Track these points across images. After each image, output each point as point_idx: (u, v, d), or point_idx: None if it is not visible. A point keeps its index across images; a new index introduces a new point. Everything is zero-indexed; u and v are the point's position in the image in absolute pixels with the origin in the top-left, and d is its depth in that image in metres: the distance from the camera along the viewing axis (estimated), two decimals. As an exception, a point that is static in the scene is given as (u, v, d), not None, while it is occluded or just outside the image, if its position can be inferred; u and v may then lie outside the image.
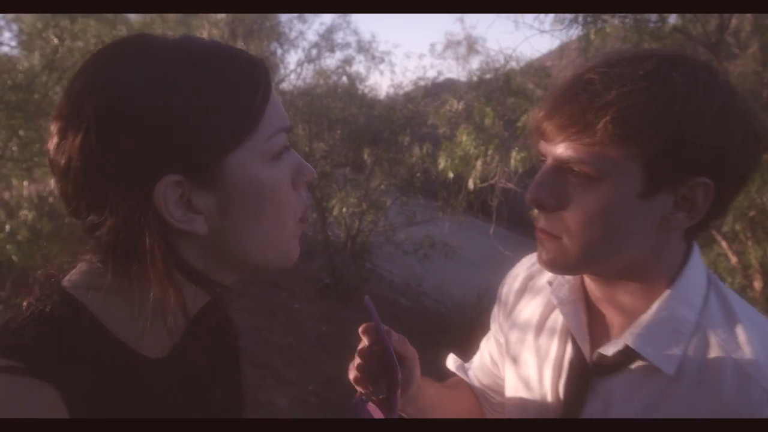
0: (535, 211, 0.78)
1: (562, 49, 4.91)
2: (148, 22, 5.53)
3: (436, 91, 8.92)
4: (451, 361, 1.15)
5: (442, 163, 4.66)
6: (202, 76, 0.57)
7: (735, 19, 3.82)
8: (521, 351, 0.93)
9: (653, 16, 3.67)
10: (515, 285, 0.99)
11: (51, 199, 4.28)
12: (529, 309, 0.95)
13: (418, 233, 7.49)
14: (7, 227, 3.64)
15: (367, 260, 7.72)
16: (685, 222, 0.72)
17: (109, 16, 4.43)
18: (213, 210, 0.58)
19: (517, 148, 4.68)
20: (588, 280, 0.82)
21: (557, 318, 0.88)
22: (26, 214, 3.95)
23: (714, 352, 0.72)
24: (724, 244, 4.06)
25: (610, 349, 0.78)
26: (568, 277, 0.85)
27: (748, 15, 3.81)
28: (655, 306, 0.75)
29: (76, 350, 0.56)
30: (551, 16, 4.00)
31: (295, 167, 0.64)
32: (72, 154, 0.56)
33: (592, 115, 0.68)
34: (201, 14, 8.10)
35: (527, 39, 9.62)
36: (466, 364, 1.14)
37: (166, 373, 0.64)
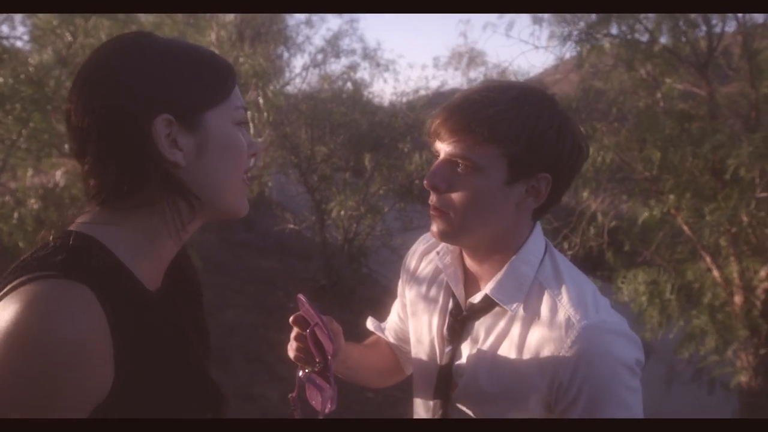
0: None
1: (558, 65, 5.04)
2: (158, 22, 5.69)
3: (438, 100, 9.02)
4: (370, 322, 1.41)
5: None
6: (193, 56, 0.79)
7: (724, 41, 3.95)
8: (417, 308, 1.21)
9: (645, 36, 3.80)
10: (414, 258, 1.27)
11: (57, 191, 4.41)
12: (423, 275, 1.23)
13: (414, 239, 7.54)
14: (16, 215, 3.76)
15: (363, 264, 7.80)
16: (533, 205, 1.01)
17: (121, 15, 4.57)
18: (192, 149, 0.76)
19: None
20: (465, 252, 1.10)
21: (442, 280, 1.15)
22: (33, 203, 4.07)
23: (545, 297, 1.01)
24: (708, 259, 4.18)
25: (476, 298, 1.06)
26: (452, 248, 1.12)
27: (738, 37, 3.94)
28: (506, 266, 1.04)
29: (98, 269, 0.70)
30: (546, 32, 4.13)
31: (248, 140, 0.83)
32: (98, 95, 0.73)
33: (475, 123, 0.96)
34: (209, 16, 8.24)
35: (523, 53, 9.77)
36: (382, 324, 1.40)
37: (162, 304, 0.79)
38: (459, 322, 1.09)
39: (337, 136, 7.82)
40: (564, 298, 0.99)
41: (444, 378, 1.10)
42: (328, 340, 1.04)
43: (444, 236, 1.03)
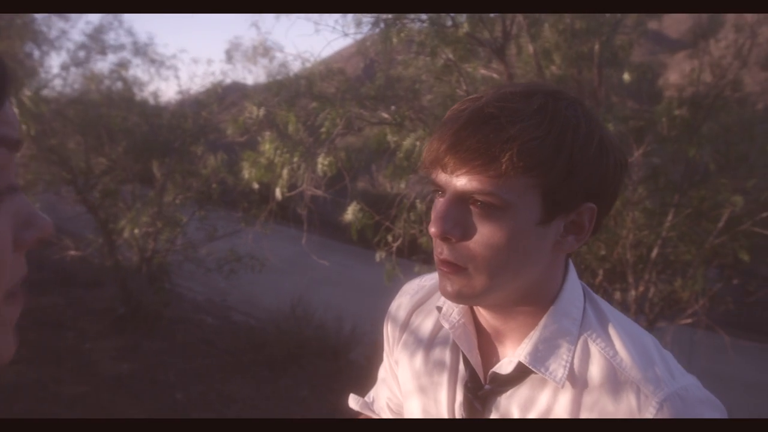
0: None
1: (360, 51, 4.93)
2: None
3: (225, 94, 8.48)
4: (353, 401, 1.15)
5: (246, 173, 4.37)
6: None
7: (515, 26, 4.15)
8: (420, 382, 0.95)
9: (449, 22, 3.82)
10: (401, 314, 1.01)
11: None
12: (418, 335, 0.96)
13: (221, 248, 7.04)
14: None
15: (166, 281, 7.07)
16: (574, 245, 0.79)
17: None
18: None
19: (322, 154, 4.58)
20: (482, 308, 0.85)
21: (447, 338, 0.91)
22: None
23: (595, 360, 0.79)
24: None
25: (504, 368, 0.82)
26: None
27: (524, 23, 4.15)
28: (541, 323, 0.81)
29: None
30: (351, 18, 3.96)
31: (23, 217, 0.44)
32: None
33: (498, 148, 0.71)
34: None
35: (329, 43, 9.67)
36: (367, 398, 1.14)
37: None
38: (480, 399, 0.85)
39: (116, 143, 6.90)
40: (624, 360, 0.78)
41: None
42: None
43: (461, 298, 0.79)
